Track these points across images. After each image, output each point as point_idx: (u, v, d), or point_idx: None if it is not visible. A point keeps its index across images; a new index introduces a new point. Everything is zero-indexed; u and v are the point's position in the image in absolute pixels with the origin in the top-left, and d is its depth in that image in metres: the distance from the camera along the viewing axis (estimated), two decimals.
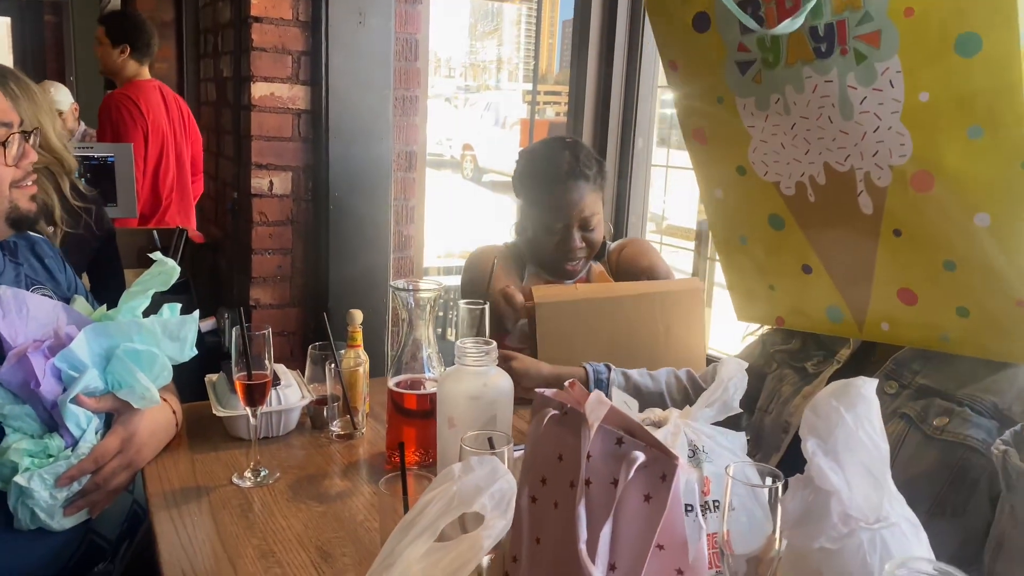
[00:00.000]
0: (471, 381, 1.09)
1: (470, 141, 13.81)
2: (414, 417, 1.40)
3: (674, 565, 0.67)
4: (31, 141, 1.43)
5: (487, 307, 1.54)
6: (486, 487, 0.90)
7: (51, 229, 2.05)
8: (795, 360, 1.44)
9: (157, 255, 1.54)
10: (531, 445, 0.72)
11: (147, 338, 1.45)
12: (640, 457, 0.65)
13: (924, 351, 1.24)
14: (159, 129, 3.29)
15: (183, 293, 2.83)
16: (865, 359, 1.35)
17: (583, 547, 0.64)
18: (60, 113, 3.96)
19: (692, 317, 1.88)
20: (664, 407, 1.17)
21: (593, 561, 0.64)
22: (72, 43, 4.67)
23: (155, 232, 3.04)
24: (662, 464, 0.64)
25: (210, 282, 2.96)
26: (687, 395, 1.61)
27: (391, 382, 1.38)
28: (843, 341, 1.39)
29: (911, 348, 1.25)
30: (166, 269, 1.52)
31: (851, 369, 1.36)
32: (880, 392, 1.25)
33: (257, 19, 2.33)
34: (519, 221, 2.07)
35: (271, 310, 2.52)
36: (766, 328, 1.58)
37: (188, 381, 1.70)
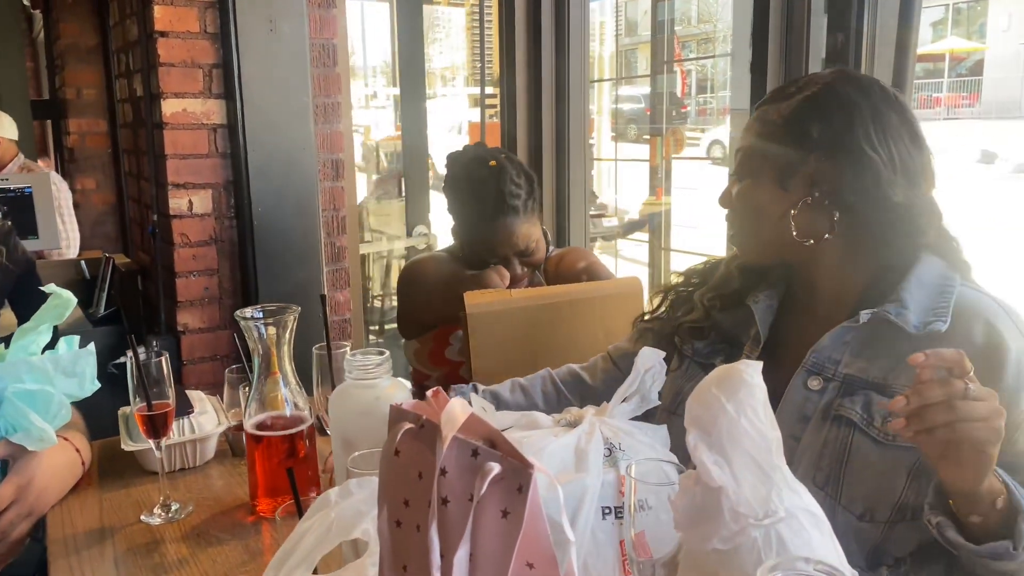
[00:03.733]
0: (361, 396, 1.02)
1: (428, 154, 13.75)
2: (279, 459, 1.32)
3: None
4: None
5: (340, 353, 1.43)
6: (368, 511, 0.83)
7: None
8: (703, 357, 1.32)
9: (51, 287, 1.45)
10: (385, 464, 0.65)
11: (39, 377, 1.35)
12: (495, 468, 0.58)
13: (841, 337, 1.14)
14: None
15: (114, 323, 2.73)
16: (777, 351, 1.24)
17: (436, 573, 0.57)
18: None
19: (632, 319, 1.81)
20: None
21: None
22: None
23: (83, 262, 2.94)
24: (518, 474, 0.58)
25: (142, 310, 2.86)
26: (560, 395, 1.47)
27: (249, 423, 1.30)
28: (745, 333, 1.29)
29: (828, 337, 1.15)
30: (61, 301, 1.43)
31: (766, 364, 1.28)
32: (804, 389, 1.16)
33: (163, 34, 2.24)
34: (455, 229, 1.98)
35: (201, 334, 2.43)
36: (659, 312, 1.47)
37: (112, 416, 1.61)
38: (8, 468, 1.32)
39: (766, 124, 1.19)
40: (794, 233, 1.15)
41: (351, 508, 0.80)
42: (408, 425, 0.65)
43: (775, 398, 1.17)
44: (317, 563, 0.79)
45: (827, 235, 1.15)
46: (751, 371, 0.67)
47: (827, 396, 1.13)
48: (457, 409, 0.63)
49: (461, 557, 0.58)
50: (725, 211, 1.29)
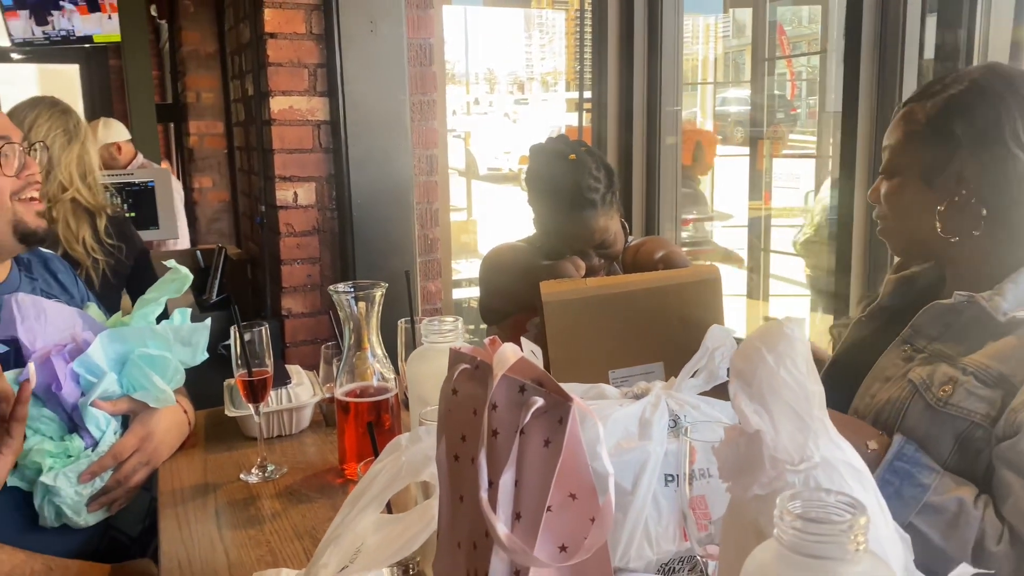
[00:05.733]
0: (438, 359, 1.09)
1: (527, 154, 13.90)
2: (365, 426, 1.40)
3: (588, 514, 0.65)
4: (36, 157, 1.49)
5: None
6: (435, 456, 0.90)
7: (89, 260, 2.19)
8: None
9: (171, 263, 1.60)
10: (444, 402, 0.71)
11: (160, 343, 1.50)
12: (538, 401, 0.63)
13: (940, 317, 1.18)
14: None
15: (225, 309, 2.92)
16: (899, 327, 1.28)
17: (484, 495, 0.63)
18: (118, 147, 4.15)
19: (710, 307, 1.79)
20: None
21: (495, 510, 0.63)
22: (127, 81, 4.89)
23: (198, 252, 3.16)
24: (560, 407, 0.63)
25: (251, 297, 3.05)
26: None
27: (339, 392, 1.39)
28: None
29: (925, 313, 1.19)
30: (179, 277, 1.57)
31: (884, 337, 1.31)
32: (895, 357, 1.23)
33: (272, 35, 2.40)
34: (535, 220, 2.03)
35: (303, 319, 2.57)
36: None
37: (221, 390, 1.74)
38: (131, 421, 1.47)
39: (912, 122, 1.20)
40: (939, 230, 1.18)
41: (420, 452, 0.86)
42: (464, 366, 0.71)
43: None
44: (388, 501, 0.86)
45: (974, 232, 1.17)
46: (792, 325, 0.70)
47: (909, 365, 1.19)
48: (509, 352, 0.69)
49: (506, 481, 0.64)
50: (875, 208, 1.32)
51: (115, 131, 4.08)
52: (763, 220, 6.11)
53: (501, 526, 0.62)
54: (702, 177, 7.28)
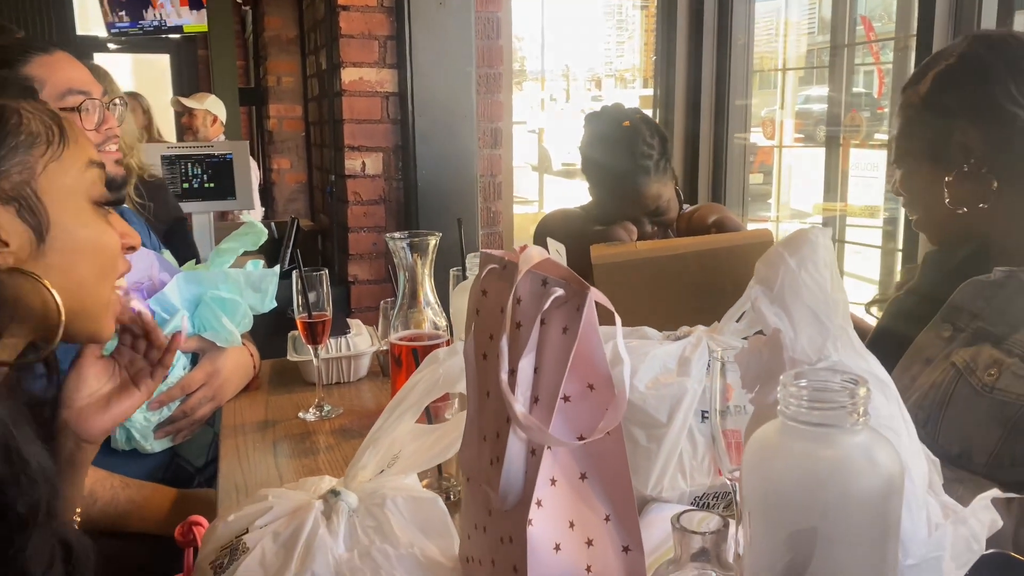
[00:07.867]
0: None
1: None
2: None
3: (604, 404, 0.67)
4: (116, 113, 1.58)
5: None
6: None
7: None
8: None
9: (246, 215, 1.69)
10: (473, 302, 0.74)
11: (232, 287, 1.58)
12: (558, 291, 0.66)
13: (980, 293, 1.13)
14: None
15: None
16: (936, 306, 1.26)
17: (504, 377, 0.66)
18: (215, 118, 4.35)
19: None
20: None
21: (513, 392, 0.65)
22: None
23: (272, 224, 3.27)
24: (578, 296, 0.65)
25: (320, 265, 3.15)
26: None
27: (394, 336, 1.43)
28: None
29: (965, 290, 1.15)
30: (255, 231, 1.66)
31: (921, 316, 1.28)
32: (935, 336, 1.18)
33: (344, 7, 2.48)
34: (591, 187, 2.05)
35: (368, 285, 2.65)
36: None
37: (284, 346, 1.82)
38: (200, 358, 1.56)
39: (908, 107, 1.21)
40: (946, 201, 1.16)
41: (457, 365, 0.90)
42: (493, 266, 0.74)
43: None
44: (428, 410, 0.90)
45: (981, 204, 1.14)
46: (817, 232, 0.71)
47: (952, 346, 1.14)
48: (534, 252, 0.72)
49: (525, 366, 0.67)
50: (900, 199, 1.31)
51: (215, 105, 4.30)
52: (838, 219, 5.98)
53: (519, 406, 0.65)
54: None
